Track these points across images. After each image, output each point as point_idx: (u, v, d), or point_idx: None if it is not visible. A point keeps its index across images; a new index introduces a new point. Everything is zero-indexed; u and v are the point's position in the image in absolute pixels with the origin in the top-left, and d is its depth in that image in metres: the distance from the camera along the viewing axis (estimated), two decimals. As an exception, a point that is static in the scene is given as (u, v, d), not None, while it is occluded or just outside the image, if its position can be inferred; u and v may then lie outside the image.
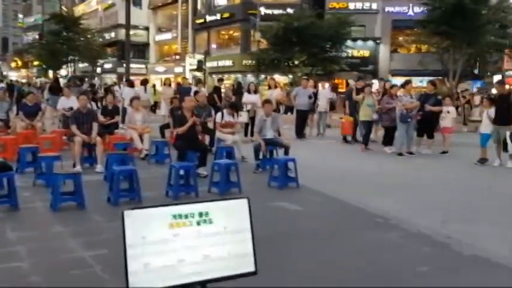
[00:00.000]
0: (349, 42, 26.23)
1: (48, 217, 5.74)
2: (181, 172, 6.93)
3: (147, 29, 43.18)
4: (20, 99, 16.20)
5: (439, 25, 21.09)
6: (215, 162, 7.39)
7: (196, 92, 11.49)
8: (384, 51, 30.15)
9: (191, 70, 34.89)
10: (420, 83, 23.46)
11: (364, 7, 29.67)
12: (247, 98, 13.34)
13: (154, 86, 25.35)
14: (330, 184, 7.72)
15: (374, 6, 29.62)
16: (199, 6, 36.83)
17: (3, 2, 75.27)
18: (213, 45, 36.38)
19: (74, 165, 8.21)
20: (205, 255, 2.73)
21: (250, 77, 28.97)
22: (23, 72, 59.53)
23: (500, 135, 9.76)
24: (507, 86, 12.71)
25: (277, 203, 6.48)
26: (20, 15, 68.50)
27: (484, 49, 23.37)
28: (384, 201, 6.62)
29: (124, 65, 26.27)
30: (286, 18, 24.83)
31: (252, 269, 2.81)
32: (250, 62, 27.87)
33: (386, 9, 29.53)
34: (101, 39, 39.99)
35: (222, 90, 16.92)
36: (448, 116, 11.86)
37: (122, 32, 33.50)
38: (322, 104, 14.73)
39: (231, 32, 35.80)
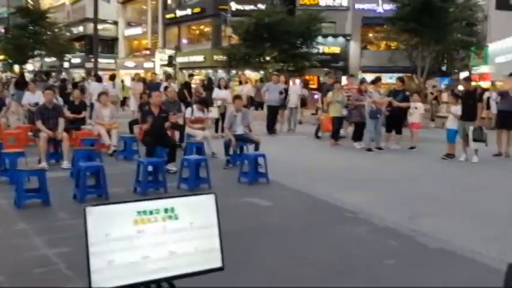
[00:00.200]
0: (319, 39, 26.38)
1: (12, 214, 5.59)
2: (150, 168, 6.85)
3: (116, 23, 42.49)
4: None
5: (408, 22, 21.39)
6: (184, 158, 7.33)
7: (166, 88, 11.38)
8: (354, 47, 30.45)
9: (162, 65, 34.53)
10: (390, 79, 23.81)
11: (335, 4, 29.88)
12: (217, 93, 13.27)
13: (122, 81, 24.97)
14: (300, 179, 7.75)
15: (344, 3, 29.86)
16: (169, 1, 36.48)
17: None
18: (184, 41, 36.09)
19: (40, 162, 8.01)
20: (171, 251, 2.70)
21: (221, 73, 28.86)
22: (-12, 67, 57.88)
23: (465, 130, 9.96)
24: (473, 83, 12.99)
25: (247, 199, 6.46)
26: (-16, 9, 66.54)
27: (451, 46, 23.84)
28: (353, 196, 6.67)
29: (92, 59, 25.81)
30: (258, 13, 24.83)
31: (219, 264, 2.79)
32: (221, 57, 27.75)
33: (357, 6, 29.81)
34: (68, 34, 39.09)
35: (193, 85, 16.80)
36: (416, 111, 12.05)
37: (90, 26, 32.96)
38: (293, 100, 14.78)
39: (202, 27, 35.58)
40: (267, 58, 24.58)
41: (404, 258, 4.39)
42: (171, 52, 33.01)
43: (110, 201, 2.99)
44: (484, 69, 32.55)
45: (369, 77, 17.62)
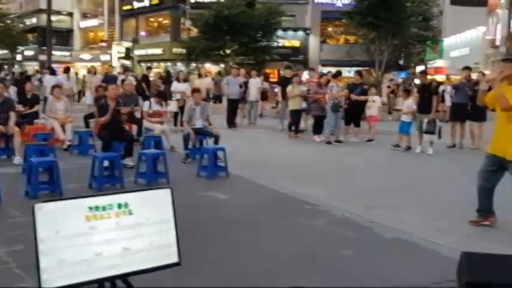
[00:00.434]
0: (279, 32, 26.46)
1: (-42, 213, 5.33)
2: (106, 163, 6.68)
3: (71, 14, 41.36)
4: None
5: (366, 17, 21.70)
6: (142, 152, 7.18)
7: (123, 81, 11.13)
8: (313, 41, 30.71)
9: (119, 58, 33.84)
10: (348, 73, 24.13)
11: (295, -3, 30.05)
12: (176, 86, 13.10)
13: (76, 74, 24.32)
14: (260, 172, 7.73)
15: (304, -4, 30.08)
16: (127, -8, 35.76)
17: None
18: (142, 33, 35.48)
19: (-11, 158, 7.69)
20: (125, 247, 2.62)
21: (180, 66, 28.54)
22: None
23: (422, 123, 10.20)
24: (429, 77, 13.31)
25: (206, 193, 6.39)
26: None
27: (408, 41, 24.38)
28: (313, 189, 6.71)
29: (46, 52, 25.02)
30: (217, 6, 24.63)
31: (175, 260, 2.75)
32: (180, 50, 27.43)
33: (316, 0, 30.04)
34: (21, 25, 37.78)
35: (151, 78, 16.53)
36: (374, 105, 12.25)
37: (44, 17, 31.84)
38: (253, 93, 14.75)
39: (160, 19, 35.06)
40: (227, 51, 24.48)
41: (361, 248, 4.44)
42: (128, 44, 32.42)
43: (60, 198, 2.88)
44: (439, 63, 33.45)
45: (326, 70, 17.80)
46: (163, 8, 32.13)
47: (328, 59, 28.86)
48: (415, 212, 5.71)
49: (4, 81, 10.55)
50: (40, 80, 15.70)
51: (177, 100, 12.65)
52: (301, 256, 4.21)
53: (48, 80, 14.15)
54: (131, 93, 10.29)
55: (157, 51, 32.55)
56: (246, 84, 14.70)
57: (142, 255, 2.65)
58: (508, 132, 4.81)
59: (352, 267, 3.99)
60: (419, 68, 24.41)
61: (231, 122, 13.92)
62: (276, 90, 15.90)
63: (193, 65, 27.39)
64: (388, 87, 21.36)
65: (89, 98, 14.57)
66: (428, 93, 10.33)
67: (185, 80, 13.68)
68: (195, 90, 9.29)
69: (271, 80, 21.00)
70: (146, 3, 33.27)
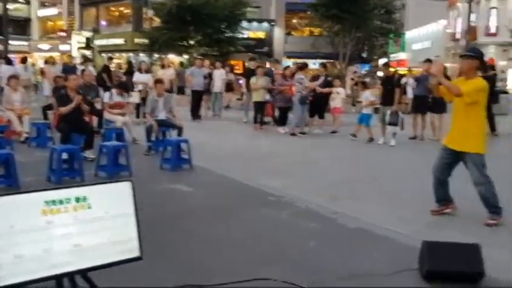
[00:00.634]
0: (244, 24, 26.33)
1: None
2: (65, 156, 6.49)
3: (28, 2, 40.02)
4: None
5: (330, 9, 21.84)
6: (102, 144, 7.00)
7: (83, 71, 10.84)
8: (278, 33, 30.73)
9: (79, 48, 33.00)
10: (313, 65, 24.26)
11: (260, -12, 29.91)
12: (138, 77, 12.86)
13: (34, 64, 23.55)
14: (224, 164, 7.67)
15: (268, -12, 29.99)
16: (86, -20, 34.85)
17: None
18: (103, 22, 34.66)
19: None
20: (84, 242, 2.54)
21: (143, 56, 28.04)
22: None
23: (385, 115, 10.34)
24: (392, 69, 13.50)
25: (169, 185, 6.29)
26: None
27: (371, 33, 24.69)
28: (277, 180, 6.69)
29: (2, 41, 24.15)
30: (180, -5, 24.24)
31: (136, 254, 2.69)
32: (142, 40, 26.94)
33: (281, -9, 30.04)
34: (-25, 13, 36.34)
35: (112, 69, 16.18)
36: (338, 97, 12.34)
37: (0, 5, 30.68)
38: (218, 84, 14.63)
39: (121, 8, 34.34)
40: (191, 42, 24.19)
41: (325, 239, 4.45)
42: (88, 34, 31.61)
43: (15, 191, 2.75)
44: (401, 55, 34.03)
45: (290, 62, 17.83)
46: (125, -3, 31.52)
47: (293, 51, 28.95)
48: (378, 202, 5.78)
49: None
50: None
51: (139, 91, 12.44)
52: (265, 247, 4.19)
53: (5, 71, 13.62)
54: (91, 84, 10.05)
55: (119, 41, 31.87)
56: (210, 75, 14.56)
57: (102, 250, 2.58)
58: (464, 125, 4.89)
59: (316, 258, 3.98)
60: (382, 61, 24.78)
61: (195, 114, 13.78)
62: (240, 82, 15.81)
63: (156, 55, 26.94)
64: (352, 79, 21.60)
65: (47, 88, 14.13)
66: (391, 86, 10.48)
67: (147, 71, 13.47)
68: (158, 81, 9.15)
69: (236, 71, 20.89)
70: (107, -9, 32.55)
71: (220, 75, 14.86)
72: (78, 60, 21.69)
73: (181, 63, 21.02)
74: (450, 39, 35.07)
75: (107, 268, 2.53)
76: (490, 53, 28.33)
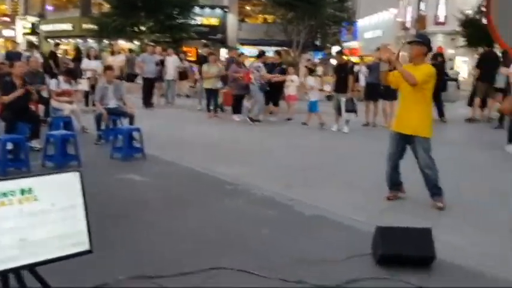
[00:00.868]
0: (197, 10, 25.91)
1: None
2: (10, 146, 6.21)
3: (-32, -15, 37.93)
4: None
5: (283, -4, 21.85)
6: (50, 133, 6.73)
7: (28, 58, 10.38)
8: (232, 20, 30.47)
9: (24, 34, 31.66)
10: (267, 53, 24.22)
11: (212, -26, 29.53)
12: (87, 64, 12.44)
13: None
14: (179, 153, 7.53)
15: (221, -26, 29.64)
16: (31, -37, 33.37)
17: None
18: (49, 7, 33.32)
19: None
20: (31, 236, 2.44)
21: (91, 42, 27.18)
22: None
23: (339, 102, 10.45)
24: (344, 57, 13.65)
25: (121, 175, 6.10)
26: None
27: (324, 21, 24.86)
28: (233, 168, 6.63)
29: None
30: (130, -21, 23.56)
31: (86, 247, 2.60)
32: (91, 26, 26.08)
33: (234, -23, 29.76)
34: None
35: (59, 55, 15.62)
36: (292, 84, 12.37)
37: None
38: (170, 71, 14.38)
39: (68, -8, 33.12)
40: (142, 28, 23.60)
41: (281, 226, 4.44)
42: (34, 19, 30.34)
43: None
44: (353, 44, 34.52)
45: (244, 49, 17.75)
46: (72, -19, 30.40)
47: (247, 38, 28.83)
48: (333, 189, 5.82)
49: None
50: None
51: (88, 78, 12.06)
52: (221, 236, 4.13)
53: None
54: (37, 71, 9.63)
55: (66, 27, 30.75)
56: (162, 62, 14.28)
57: (49, 244, 2.48)
58: (412, 110, 4.98)
59: (272, 245, 3.97)
60: (335, 49, 25.08)
61: (147, 102, 13.49)
62: (194, 69, 15.60)
63: (106, 41, 26.17)
64: (306, 67, 21.70)
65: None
66: (344, 73, 10.59)
67: (96, 57, 13.06)
68: (108, 68, 8.87)
69: (189, 58, 20.59)
70: (53, -25, 31.29)
71: (172, 62, 14.60)
72: (23, 47, 20.76)
73: (130, 50, 20.47)
74: (400, 28, 35.91)
75: (55, 262, 2.44)
76: (438, 41, 29.23)
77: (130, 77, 17.07)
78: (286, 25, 24.32)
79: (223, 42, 28.09)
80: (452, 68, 25.79)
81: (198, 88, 14.53)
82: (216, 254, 3.70)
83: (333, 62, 20.82)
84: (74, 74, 9.97)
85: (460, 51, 28.08)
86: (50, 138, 6.53)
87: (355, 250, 3.79)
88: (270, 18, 28.61)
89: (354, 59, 22.05)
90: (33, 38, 29.52)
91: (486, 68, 12.25)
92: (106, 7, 25.11)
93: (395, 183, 5.31)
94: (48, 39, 30.57)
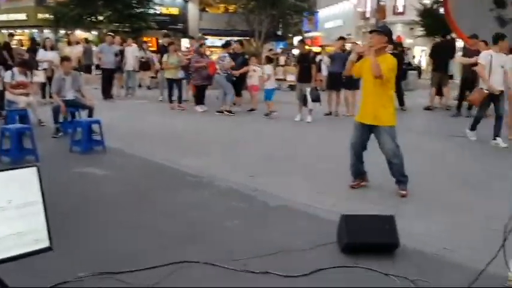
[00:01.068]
0: (156, -1, 25.50)
1: None
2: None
3: None
4: None
5: (244, -15, 21.74)
6: (4, 127, 6.50)
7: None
8: (192, 9, 30.13)
9: (-25, 24, 30.38)
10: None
11: (172, -37, 29.10)
12: (43, 55, 12.05)
13: None
14: (141, 145, 7.40)
15: (181, -38, 29.21)
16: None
17: None
18: (2, -4, 32.09)
19: None
20: (-17, 235, 2.31)
21: (48, 33, 26.36)
22: None
23: (302, 92, 10.48)
24: (307, 47, 13.70)
25: (81, 169, 5.94)
26: None
27: (285, 11, 24.88)
28: (196, 160, 6.56)
29: None
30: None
31: (46, 244, 2.50)
32: (47, 16, 25.28)
33: (193, -34, 29.36)
34: None
35: (13, 46, 15.06)
36: (255, 74, 12.32)
37: None
38: (130, 62, 14.09)
39: (22, -19, 31.91)
40: (100, 18, 23.04)
41: (246, 217, 4.42)
42: (-14, 9, 29.12)
43: None
44: (314, 33, 34.72)
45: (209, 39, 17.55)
46: (26, -31, 29.32)
47: (208, 28, 28.56)
48: (298, 178, 5.83)
49: None
50: None
51: (45, 70, 11.69)
52: (185, 230, 4.07)
53: None
54: (-10, 62, 9.25)
55: (20, 16, 29.74)
56: (122, 52, 13.97)
57: (6, 242, 2.37)
58: (376, 100, 5.03)
59: (238, 237, 3.94)
60: (297, 39, 25.18)
61: (106, 93, 13.19)
62: (154, 59, 15.34)
63: (62, 32, 25.41)
64: (267, 57, 21.69)
65: None
66: (307, 63, 10.62)
67: (53, 48, 12.67)
68: (64, 59, 8.60)
69: (149, 48, 20.23)
70: (5, -38, 30.09)
71: (132, 53, 14.32)
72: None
73: (87, 40, 19.89)
74: (360, 18, 36.33)
75: (13, 261, 2.34)
76: (397, 31, 29.68)
77: (88, 68, 16.64)
78: (248, 15, 24.23)
79: (184, 32, 27.74)
80: (414, 57, 26.32)
81: (159, 79, 14.31)
82: (181, 248, 3.65)
83: (295, 51, 20.88)
84: (29, 65, 9.63)
85: (419, 41, 28.66)
86: (5, 132, 6.31)
87: (321, 239, 3.80)
88: (231, 7, 28.43)
89: (316, 48, 22.16)
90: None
91: (439, 57, 12.56)
92: (62, -4, 24.35)
93: (359, 172, 5.37)
94: (2, 30, 29.47)
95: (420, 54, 31.12)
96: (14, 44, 15.93)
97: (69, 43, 15.12)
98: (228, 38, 24.55)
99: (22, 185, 2.47)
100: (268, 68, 11.72)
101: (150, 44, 19.98)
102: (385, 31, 5.13)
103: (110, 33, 15.81)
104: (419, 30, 26.49)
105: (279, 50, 25.85)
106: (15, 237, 2.42)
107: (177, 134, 8.75)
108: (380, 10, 29.41)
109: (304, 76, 10.55)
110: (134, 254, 3.52)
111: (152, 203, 4.78)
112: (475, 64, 10.98)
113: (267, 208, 4.71)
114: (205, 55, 12.11)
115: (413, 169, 5.30)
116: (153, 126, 9.43)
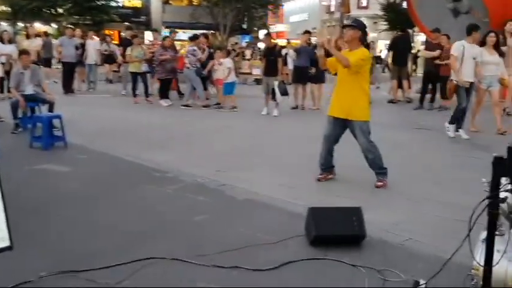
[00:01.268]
0: (118, -9, 25.02)
1: None
2: None
3: None
4: None
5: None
6: (-40, 123, 6.23)
7: None
8: (156, 2, 29.69)
9: None
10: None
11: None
12: (0, 48, 11.62)
13: None
14: (103, 140, 7.24)
15: (144, -46, 28.72)
16: None
17: None
18: (-44, -13, 30.79)
19: None
20: None
21: (5, 25, 25.47)
22: None
23: (269, 85, 10.46)
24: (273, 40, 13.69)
25: (41, 166, 5.77)
26: None
27: (250, 4, 24.81)
28: (161, 155, 6.46)
29: None
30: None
31: (6, 244, 2.40)
32: (3, 8, 24.43)
33: (156, -42, 28.94)
34: None
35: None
36: (220, 68, 12.22)
37: None
38: (91, 55, 13.78)
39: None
40: (60, 10, 22.45)
41: (213, 212, 4.36)
42: None
43: None
44: (280, 27, 34.79)
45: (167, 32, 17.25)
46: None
47: (172, 21, 28.18)
48: (265, 172, 5.81)
49: None
50: None
51: (2, 64, 11.29)
52: (152, 226, 3.99)
53: None
54: None
55: (-24, 8, 28.60)
56: (83, 45, 13.64)
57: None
58: (350, 95, 5.05)
59: (205, 232, 3.88)
60: (263, 32, 25.15)
61: (67, 87, 12.87)
62: (117, 53, 15.04)
63: (20, 24, 24.62)
64: (234, 50, 21.60)
65: None
66: (273, 56, 10.62)
67: (10, 41, 12.24)
68: (23, 52, 8.34)
69: (112, 42, 19.83)
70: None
71: (94, 45, 14.00)
72: None
73: (46, 33, 19.33)
74: (325, 11, 36.62)
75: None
76: (361, 25, 29.99)
77: (48, 62, 16.18)
78: (212, 8, 24.04)
79: (147, 25, 27.31)
80: (381, 51, 26.70)
81: (122, 72, 14.05)
82: (148, 244, 3.57)
83: (260, 45, 20.86)
84: (-15, 59, 9.28)
85: (382, 35, 29.10)
86: (-41, 128, 6.05)
87: (289, 232, 3.79)
88: (195, 0, 28.15)
89: (281, 42, 22.20)
90: None
91: (398, 51, 12.79)
92: (20, -12, 23.55)
93: (327, 166, 5.38)
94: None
95: (383, 48, 31.61)
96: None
97: (28, 36, 14.66)
98: (193, 32, 24.40)
99: (-21, 182, 2.36)
100: (228, 62, 11.61)
101: (112, 37, 19.58)
102: (358, 25, 5.14)
103: (70, 26, 15.41)
104: (383, 25, 26.88)
105: (244, 44, 25.78)
106: (-28, 237, 2.31)
107: (140, 128, 8.60)
108: (344, 4, 29.72)
109: (271, 70, 10.55)
110: (99, 252, 3.42)
111: (116, 199, 4.67)
112: (438, 57, 11.20)
113: (234, 202, 4.67)
114: (171, 49, 11.95)
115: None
116: (116, 121, 9.24)
